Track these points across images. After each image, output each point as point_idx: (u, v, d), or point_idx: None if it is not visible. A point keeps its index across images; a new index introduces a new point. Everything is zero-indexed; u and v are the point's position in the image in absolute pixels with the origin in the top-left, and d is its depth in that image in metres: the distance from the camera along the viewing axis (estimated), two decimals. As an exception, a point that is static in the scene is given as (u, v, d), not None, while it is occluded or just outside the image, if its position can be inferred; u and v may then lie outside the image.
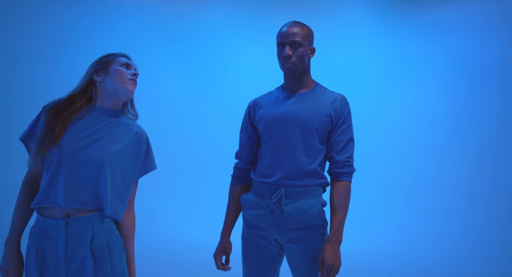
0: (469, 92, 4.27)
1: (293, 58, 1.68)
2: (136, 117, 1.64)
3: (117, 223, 1.51)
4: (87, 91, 1.52)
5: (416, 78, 4.70)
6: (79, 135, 1.44)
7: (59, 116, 1.44)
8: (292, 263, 1.73)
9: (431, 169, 4.45)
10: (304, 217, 1.66)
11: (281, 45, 1.70)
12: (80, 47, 4.14)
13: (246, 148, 1.83)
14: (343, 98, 1.75)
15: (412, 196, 4.50)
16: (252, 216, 1.73)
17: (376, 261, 3.87)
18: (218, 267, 1.79)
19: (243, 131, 1.86)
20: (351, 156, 1.74)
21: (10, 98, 4.02)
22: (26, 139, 1.48)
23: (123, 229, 1.53)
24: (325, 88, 1.82)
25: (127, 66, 1.55)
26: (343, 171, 1.71)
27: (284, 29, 1.71)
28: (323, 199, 1.74)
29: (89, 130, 1.46)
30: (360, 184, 4.71)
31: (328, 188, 1.79)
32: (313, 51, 1.76)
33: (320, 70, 4.47)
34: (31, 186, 1.48)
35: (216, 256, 1.79)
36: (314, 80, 1.81)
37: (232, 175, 1.87)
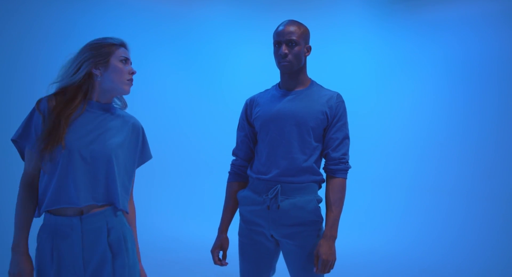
0: (467, 90, 4.28)
1: (290, 57, 1.70)
2: (125, 106, 1.61)
3: (124, 214, 1.54)
4: (83, 85, 1.46)
5: (414, 77, 4.71)
6: (81, 132, 1.42)
7: (62, 115, 1.40)
8: (288, 258, 1.76)
9: (430, 168, 4.45)
10: (300, 213, 1.69)
11: (277, 43, 1.73)
12: (79, 46, 4.15)
13: (243, 145, 1.86)
14: (338, 96, 1.78)
15: (411, 195, 4.50)
16: (249, 212, 1.76)
17: (375, 260, 3.88)
18: (215, 263, 1.82)
19: (240, 128, 1.88)
20: (346, 153, 1.76)
21: (9, 98, 4.03)
22: (20, 139, 1.42)
23: (127, 220, 1.55)
24: (321, 86, 1.84)
25: (126, 60, 1.51)
26: (338, 168, 1.73)
27: (281, 28, 1.73)
28: (318, 196, 1.77)
29: (89, 126, 1.44)
30: (359, 183, 4.73)
31: (323, 185, 1.82)
32: (309, 49, 1.78)
33: (319, 69, 4.49)
34: (31, 187, 1.44)
35: (213, 251, 1.82)
36: (310, 78, 1.84)
37: (229, 172, 1.90)
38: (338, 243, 4.20)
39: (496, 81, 4.10)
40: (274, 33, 1.75)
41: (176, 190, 4.83)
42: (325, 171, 1.78)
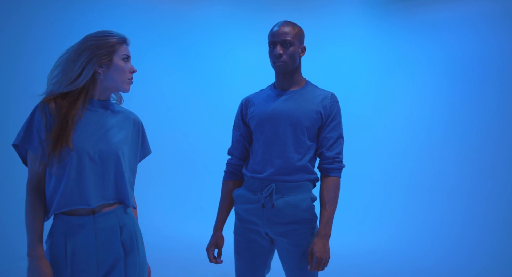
0: (466, 90, 4.27)
1: (284, 57, 1.72)
2: (121, 100, 1.59)
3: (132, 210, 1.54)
4: (85, 84, 1.43)
5: (413, 77, 4.71)
6: (86, 132, 1.41)
7: (68, 116, 1.37)
8: (283, 256, 1.78)
9: (429, 168, 4.45)
10: (294, 211, 1.71)
11: (272, 44, 1.75)
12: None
13: (239, 144, 1.88)
14: (333, 96, 1.80)
15: (410, 195, 4.50)
16: (244, 211, 1.78)
17: (374, 259, 3.88)
18: (210, 260, 1.84)
19: (235, 128, 1.91)
20: (340, 152, 1.79)
21: (9, 98, 4.05)
22: (22, 143, 1.39)
23: None
24: (316, 86, 1.86)
25: (127, 58, 1.48)
26: (332, 167, 1.75)
27: (275, 28, 1.75)
28: (313, 194, 1.79)
29: (93, 125, 1.43)
30: (357, 183, 4.75)
31: (318, 184, 1.84)
32: (303, 50, 1.80)
33: (317, 69, 4.52)
34: (38, 191, 1.41)
35: (209, 249, 1.84)
36: (305, 78, 1.86)
37: (224, 171, 1.92)
38: (337, 243, 4.22)
39: (494, 81, 4.10)
40: (269, 34, 1.77)
41: (173, 190, 4.84)
42: (319, 170, 1.80)
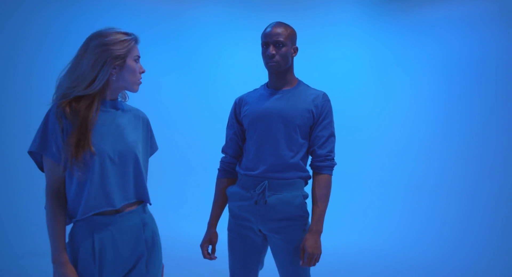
0: (464, 89, 4.26)
1: (277, 57, 1.76)
2: (126, 98, 1.57)
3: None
4: (102, 86, 1.41)
5: (411, 76, 4.70)
6: (103, 134, 1.40)
7: (86, 119, 1.36)
8: (275, 252, 1.81)
9: (427, 167, 4.45)
10: (286, 208, 1.75)
11: (265, 44, 1.79)
12: (77, 47, 4.20)
13: (232, 142, 1.92)
14: (324, 95, 1.84)
15: (409, 194, 4.50)
16: (238, 208, 1.82)
17: (373, 258, 3.89)
18: (204, 257, 1.88)
19: (229, 126, 1.95)
20: (332, 150, 1.82)
21: (8, 98, 4.08)
22: (39, 150, 1.35)
23: None
24: (308, 85, 1.90)
25: (138, 59, 1.47)
26: (324, 165, 1.79)
27: (268, 29, 1.79)
28: (305, 192, 1.83)
29: (108, 127, 1.43)
30: (356, 182, 4.77)
31: (310, 181, 1.88)
32: (296, 50, 1.84)
33: (312, 68, 4.55)
34: (59, 196, 1.39)
35: (203, 246, 1.88)
36: (297, 78, 1.90)
37: (218, 169, 1.96)
38: (336, 242, 4.23)
39: (492, 80, 4.07)
40: (262, 35, 1.81)
41: (168, 188, 4.86)
42: (311, 168, 1.84)
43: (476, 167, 4.12)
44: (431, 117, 4.53)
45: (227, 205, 1.93)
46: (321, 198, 1.76)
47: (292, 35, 1.81)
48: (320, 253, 1.72)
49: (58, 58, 4.52)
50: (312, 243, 1.70)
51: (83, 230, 1.38)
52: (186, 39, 4.98)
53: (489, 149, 4.06)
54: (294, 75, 1.89)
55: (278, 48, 1.76)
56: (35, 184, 4.06)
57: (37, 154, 1.40)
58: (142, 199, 1.51)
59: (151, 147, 1.64)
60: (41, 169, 1.43)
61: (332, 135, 1.83)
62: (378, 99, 4.90)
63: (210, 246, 1.92)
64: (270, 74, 1.85)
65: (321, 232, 1.74)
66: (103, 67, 1.36)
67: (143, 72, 1.48)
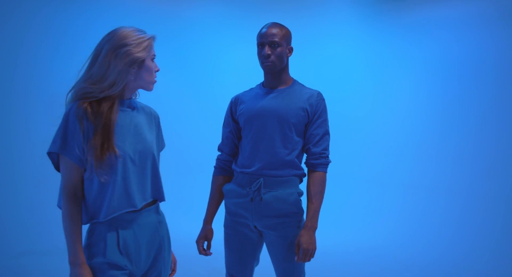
0: (461, 88, 4.27)
1: (272, 57, 1.80)
2: (138, 95, 1.56)
3: None
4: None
5: (408, 75, 4.69)
6: (124, 135, 1.39)
7: (109, 120, 1.34)
8: (271, 248, 1.85)
9: (425, 166, 4.46)
10: (281, 205, 1.79)
11: (260, 45, 1.83)
12: (75, 47, 4.23)
13: (228, 141, 1.96)
14: (319, 94, 1.88)
15: (407, 193, 4.51)
16: (234, 204, 1.85)
17: (371, 258, 3.90)
18: (200, 252, 1.91)
19: (225, 125, 1.98)
20: (326, 148, 1.86)
21: (8, 98, 4.09)
22: (60, 151, 1.32)
23: None
24: (303, 85, 1.94)
25: (154, 58, 1.46)
26: (319, 162, 1.83)
27: (264, 30, 1.83)
28: (299, 189, 1.86)
29: (127, 127, 1.42)
30: (354, 181, 4.78)
31: (305, 179, 1.92)
32: (291, 50, 1.88)
33: (308, 67, 4.58)
34: (76, 197, 1.36)
35: (198, 242, 1.92)
36: (292, 78, 1.94)
37: (214, 166, 2.00)
38: (334, 241, 4.23)
39: (489, 79, 4.07)
40: (257, 35, 1.85)
41: (166, 187, 4.85)
42: (306, 165, 1.88)
43: (474, 166, 4.12)
44: (428, 116, 4.53)
45: (222, 202, 1.97)
46: (316, 195, 1.79)
47: (287, 36, 1.85)
48: (315, 248, 1.76)
49: (57, 58, 4.56)
50: (307, 239, 1.73)
51: (105, 228, 1.37)
52: (183, 39, 5.00)
53: (487, 148, 4.06)
54: (289, 74, 1.92)
55: (274, 48, 1.80)
56: (33, 182, 4.10)
57: (54, 154, 1.37)
58: (158, 198, 1.53)
59: (160, 144, 1.64)
60: (58, 169, 1.40)
61: (326, 133, 1.87)
62: (375, 98, 4.92)
63: (206, 242, 1.96)
64: (266, 74, 1.89)
65: (315, 228, 1.78)
66: (124, 69, 1.35)
67: (158, 70, 1.48)
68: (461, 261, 3.69)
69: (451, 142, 4.32)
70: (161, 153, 1.66)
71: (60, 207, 1.41)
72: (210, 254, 1.92)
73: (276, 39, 1.79)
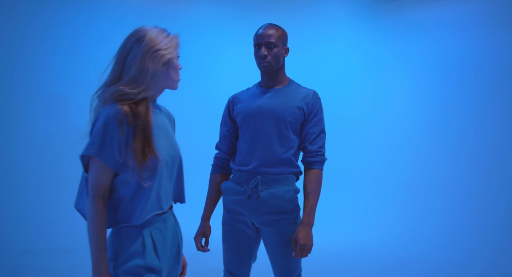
0: (459, 88, 4.27)
1: (269, 58, 1.84)
2: None
3: None
4: None
5: (406, 75, 4.70)
6: (159, 138, 1.37)
7: (148, 123, 1.32)
8: (268, 245, 1.89)
9: (424, 166, 4.46)
10: (278, 202, 1.82)
11: (257, 45, 1.87)
12: (74, 48, 4.25)
13: (226, 139, 2.00)
14: (314, 94, 1.92)
15: (405, 193, 4.52)
16: (231, 202, 1.89)
17: (369, 257, 3.91)
18: (198, 249, 1.95)
19: (223, 124, 2.02)
20: (322, 146, 1.90)
21: (7, 98, 4.11)
22: (98, 154, 1.26)
23: None
24: (299, 84, 1.98)
25: (178, 56, 1.44)
26: (315, 160, 1.87)
27: (260, 31, 1.87)
28: (296, 186, 1.90)
29: (158, 129, 1.39)
30: (353, 181, 4.79)
31: (301, 177, 1.97)
32: (287, 51, 1.92)
33: (304, 67, 4.61)
34: (104, 201, 1.31)
35: (196, 238, 1.95)
36: (288, 77, 1.98)
37: (212, 165, 2.03)
38: (333, 241, 4.23)
39: (488, 79, 4.07)
40: (254, 36, 1.89)
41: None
42: (303, 163, 1.92)
43: (472, 165, 4.13)
44: (427, 115, 4.53)
45: (220, 200, 2.01)
46: (312, 192, 1.83)
47: (283, 37, 1.89)
48: (312, 244, 1.80)
49: (56, 58, 4.56)
50: (303, 235, 1.77)
51: (139, 231, 1.35)
52: (180, 39, 5.02)
53: (485, 147, 4.06)
54: (285, 74, 1.96)
55: (270, 49, 1.84)
56: (32, 181, 4.12)
57: (86, 157, 1.32)
58: (179, 200, 1.55)
59: None
60: (87, 170, 1.35)
61: (322, 132, 1.91)
62: (373, 98, 4.91)
63: (204, 239, 1.99)
64: (262, 74, 1.93)
65: (312, 224, 1.82)
66: (159, 70, 1.34)
67: (181, 68, 1.46)
68: (459, 260, 3.70)
69: (449, 141, 4.32)
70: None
71: (78, 209, 1.39)
72: (208, 250, 1.95)
73: (273, 40, 1.83)
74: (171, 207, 1.51)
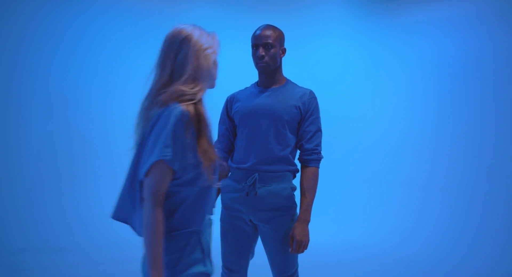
0: (457, 88, 4.31)
1: (266, 58, 1.88)
2: None
3: None
4: None
5: (403, 75, 4.74)
6: None
7: (209, 125, 1.30)
8: (265, 241, 1.93)
9: (422, 165, 4.48)
10: (275, 199, 1.87)
11: (255, 46, 1.91)
12: (73, 48, 4.27)
13: (224, 138, 2.04)
14: (311, 93, 1.96)
15: (404, 192, 4.54)
16: (230, 199, 1.93)
17: (368, 256, 3.92)
18: None
19: (221, 122, 2.07)
20: (319, 145, 1.95)
21: (7, 98, 4.13)
22: (171, 159, 1.21)
23: None
24: (296, 84, 2.02)
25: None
26: (311, 158, 1.91)
27: (258, 32, 1.91)
28: (293, 184, 1.95)
29: None
30: (352, 180, 4.81)
31: (298, 175, 2.01)
32: (284, 51, 1.97)
33: (301, 67, 4.64)
34: (162, 206, 1.23)
35: None
36: (285, 77, 2.02)
37: (211, 163, 2.07)
38: (331, 240, 4.24)
39: (486, 79, 4.10)
40: (252, 37, 1.93)
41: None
42: (299, 161, 1.96)
43: (471, 165, 4.15)
44: (425, 115, 4.55)
45: (218, 198, 2.04)
46: (309, 190, 1.88)
47: (280, 37, 1.93)
48: (308, 240, 1.84)
49: (55, 58, 4.58)
50: (300, 231, 1.81)
51: (198, 236, 1.31)
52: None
53: (483, 147, 4.09)
54: (282, 74, 2.01)
55: (267, 49, 1.88)
56: (31, 180, 4.14)
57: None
58: None
59: None
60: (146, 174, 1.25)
61: (318, 130, 1.95)
62: (371, 98, 4.92)
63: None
64: (260, 74, 1.97)
65: (308, 221, 1.86)
66: (211, 69, 1.34)
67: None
68: (457, 259, 3.72)
69: (447, 140, 4.35)
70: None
71: (115, 219, 1.33)
72: None
73: (270, 41, 1.88)
74: None
